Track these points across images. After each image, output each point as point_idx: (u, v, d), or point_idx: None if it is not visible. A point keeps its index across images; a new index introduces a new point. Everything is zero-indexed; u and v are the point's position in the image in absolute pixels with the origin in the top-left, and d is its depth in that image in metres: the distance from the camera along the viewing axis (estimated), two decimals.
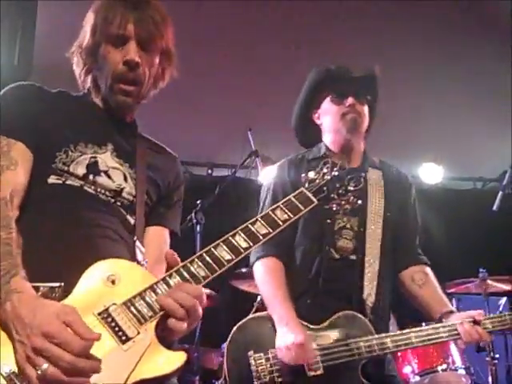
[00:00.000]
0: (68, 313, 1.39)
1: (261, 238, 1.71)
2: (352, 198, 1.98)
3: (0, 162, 1.74)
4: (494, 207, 3.54)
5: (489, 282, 4.40)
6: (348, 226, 2.74)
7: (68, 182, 1.81)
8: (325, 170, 1.95)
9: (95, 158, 1.86)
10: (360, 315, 2.57)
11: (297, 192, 1.87)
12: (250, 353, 2.50)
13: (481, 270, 4.38)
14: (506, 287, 4.57)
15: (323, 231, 2.72)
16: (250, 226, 1.72)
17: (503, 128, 5.73)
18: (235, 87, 5.65)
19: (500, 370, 4.24)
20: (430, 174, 6.81)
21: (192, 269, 1.62)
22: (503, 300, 5.01)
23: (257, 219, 1.75)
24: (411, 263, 2.80)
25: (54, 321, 1.37)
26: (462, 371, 3.80)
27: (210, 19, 5.04)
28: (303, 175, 1.95)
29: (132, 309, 1.53)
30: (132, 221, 1.91)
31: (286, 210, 1.80)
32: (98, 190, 1.84)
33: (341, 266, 2.67)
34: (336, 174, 1.95)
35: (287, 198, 1.84)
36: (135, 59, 1.86)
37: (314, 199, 1.87)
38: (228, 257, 1.66)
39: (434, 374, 3.77)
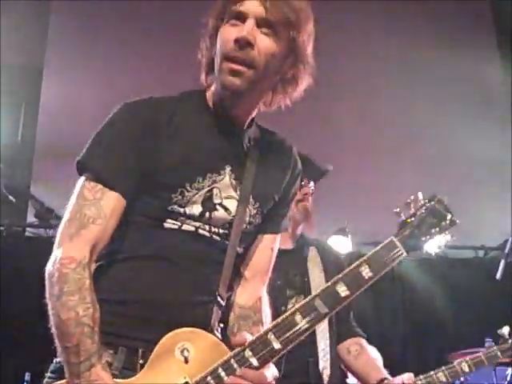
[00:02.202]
0: None
1: None
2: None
3: (87, 212, 1.63)
4: (497, 276, 3.54)
5: None
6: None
7: (184, 227, 1.71)
8: None
9: (211, 190, 1.73)
10: None
11: None
12: None
13: (487, 339, 4.31)
14: None
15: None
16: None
17: (504, 197, 5.77)
18: None
19: None
20: (431, 243, 6.78)
21: (267, 340, 1.58)
22: (510, 370, 4.91)
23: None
24: (347, 336, 2.94)
25: None
26: None
27: None
28: None
29: None
30: (240, 250, 1.81)
31: None
32: (213, 229, 1.74)
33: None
34: None
35: None
36: (246, 37, 1.66)
37: None
38: (306, 325, 1.61)
39: None
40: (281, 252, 1.96)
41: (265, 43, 1.69)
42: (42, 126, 5.65)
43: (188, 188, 1.70)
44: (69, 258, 1.59)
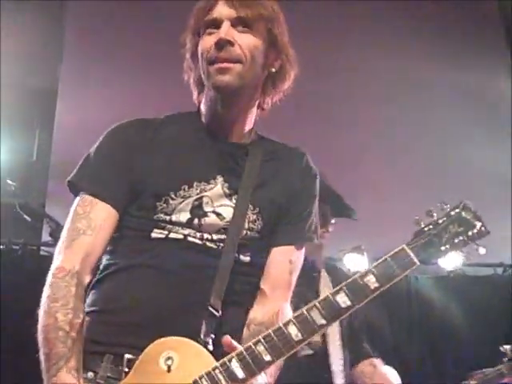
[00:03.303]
0: None
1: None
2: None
3: (78, 225, 1.69)
4: None
5: None
6: None
7: (171, 236, 1.72)
8: None
9: (200, 198, 1.74)
10: None
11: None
12: None
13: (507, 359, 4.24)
14: None
15: None
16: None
17: None
18: None
19: None
20: (449, 260, 6.73)
21: (256, 351, 1.54)
22: None
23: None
24: (360, 359, 2.94)
25: None
26: None
27: None
28: None
29: None
30: (247, 259, 1.77)
31: None
32: (205, 236, 1.73)
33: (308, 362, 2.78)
34: None
35: None
36: (225, 37, 1.72)
37: None
38: (299, 337, 1.55)
39: None
40: None
41: (244, 39, 1.75)
42: (57, 146, 5.68)
43: (172, 196, 1.72)
44: (59, 268, 1.65)
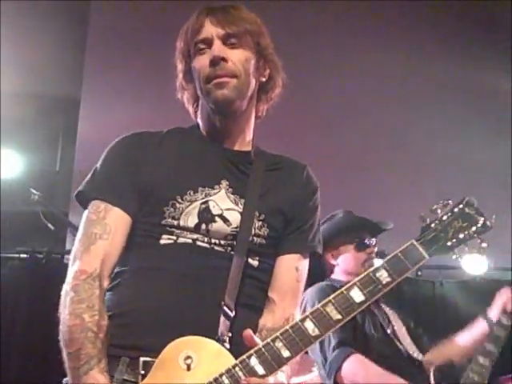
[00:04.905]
0: None
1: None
2: None
3: (94, 230, 1.73)
4: None
5: None
6: None
7: (180, 240, 1.75)
8: None
9: (206, 202, 1.78)
10: None
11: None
12: None
13: None
14: None
15: None
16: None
17: None
18: None
19: None
20: (474, 264, 6.66)
21: (275, 348, 1.55)
22: None
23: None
24: None
25: None
26: None
27: None
28: None
29: None
30: (255, 263, 1.81)
31: None
32: (213, 241, 1.76)
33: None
34: None
35: None
36: (219, 55, 1.82)
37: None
38: (316, 332, 1.58)
39: None
40: None
41: (236, 54, 1.85)
42: (80, 155, 5.73)
43: (179, 200, 1.76)
44: (80, 270, 1.68)
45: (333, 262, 3.19)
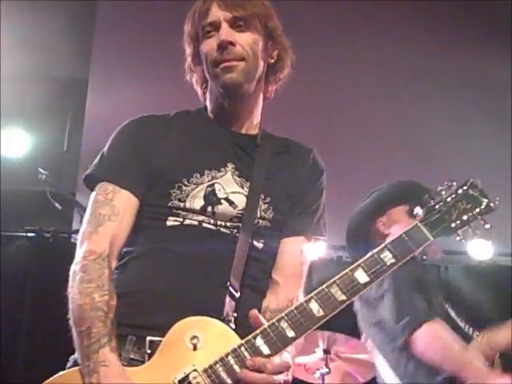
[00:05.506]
0: None
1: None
2: None
3: (102, 211, 1.74)
4: None
5: None
6: None
7: (186, 222, 1.77)
8: None
9: (212, 185, 1.79)
10: None
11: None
12: None
13: None
14: None
15: None
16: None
17: None
18: None
19: None
20: (480, 250, 6.66)
21: (280, 328, 1.57)
22: None
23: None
24: None
25: None
26: None
27: None
28: None
29: (213, 377, 1.53)
30: (260, 245, 1.82)
31: None
32: (218, 223, 1.78)
33: None
34: None
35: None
36: (226, 39, 1.81)
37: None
38: (321, 313, 1.58)
39: None
40: None
41: (244, 37, 1.84)
42: (88, 136, 5.74)
43: (186, 183, 1.77)
44: (89, 251, 1.69)
45: (385, 231, 3.03)
